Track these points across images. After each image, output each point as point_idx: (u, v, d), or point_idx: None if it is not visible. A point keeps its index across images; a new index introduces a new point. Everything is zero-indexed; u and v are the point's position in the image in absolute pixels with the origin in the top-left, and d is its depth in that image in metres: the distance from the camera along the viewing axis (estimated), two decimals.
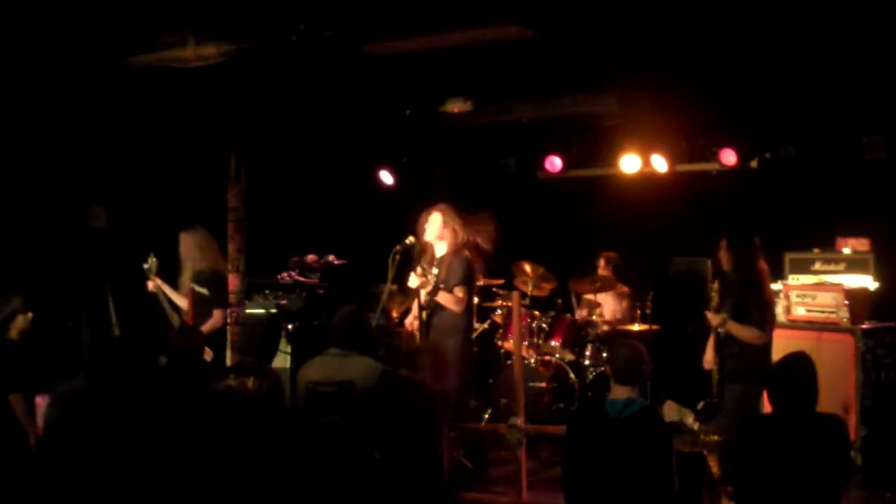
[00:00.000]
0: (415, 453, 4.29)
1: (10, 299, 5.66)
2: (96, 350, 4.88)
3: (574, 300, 8.48)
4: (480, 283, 7.63)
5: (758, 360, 5.53)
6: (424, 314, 6.15)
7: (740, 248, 5.69)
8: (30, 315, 5.68)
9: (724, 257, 5.72)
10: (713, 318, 5.67)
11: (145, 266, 6.64)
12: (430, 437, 4.36)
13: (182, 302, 6.72)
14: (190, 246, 6.72)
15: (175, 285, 6.77)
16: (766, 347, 5.67)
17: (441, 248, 6.28)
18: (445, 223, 6.23)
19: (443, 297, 6.10)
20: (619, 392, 4.20)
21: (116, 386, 4.47)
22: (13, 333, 5.60)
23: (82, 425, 4.40)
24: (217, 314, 6.65)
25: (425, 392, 4.43)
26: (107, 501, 4.27)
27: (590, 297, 8.26)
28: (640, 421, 4.11)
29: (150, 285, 6.67)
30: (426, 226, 6.27)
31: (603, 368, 7.66)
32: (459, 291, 6.09)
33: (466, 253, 6.23)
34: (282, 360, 7.82)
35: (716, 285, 5.77)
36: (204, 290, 6.63)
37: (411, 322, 6.44)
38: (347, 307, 5.00)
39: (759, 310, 5.57)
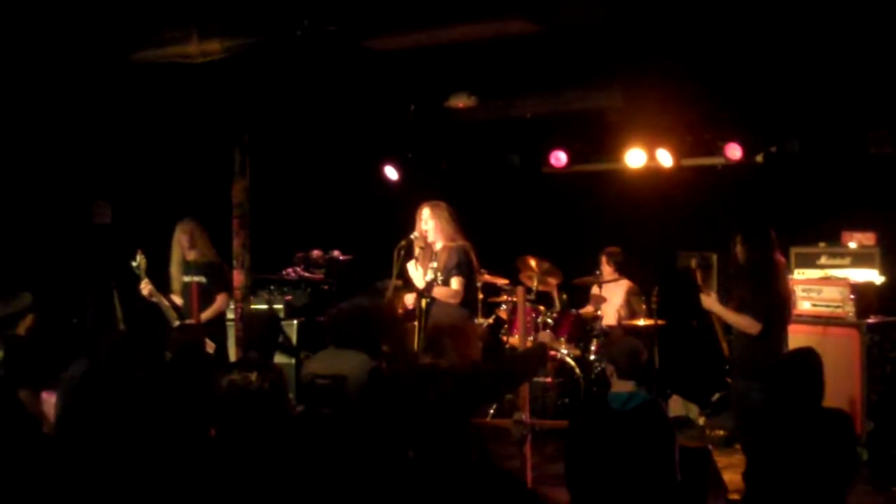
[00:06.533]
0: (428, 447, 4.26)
1: (21, 296, 5.67)
2: (98, 343, 4.88)
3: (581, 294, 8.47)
4: (485, 277, 7.65)
5: (765, 356, 5.44)
6: (424, 302, 6.21)
7: (755, 241, 5.68)
8: (38, 313, 5.70)
9: (740, 251, 5.70)
10: (705, 300, 5.78)
11: (133, 264, 6.58)
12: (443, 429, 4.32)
13: (178, 300, 6.73)
14: (183, 237, 6.72)
15: (166, 277, 6.77)
16: (774, 342, 5.58)
17: (438, 242, 6.36)
18: (432, 216, 6.31)
19: (438, 292, 6.17)
20: (622, 386, 4.21)
21: (119, 378, 4.49)
22: (21, 330, 5.62)
23: (89, 412, 4.43)
24: (220, 299, 6.65)
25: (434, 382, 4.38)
26: (111, 493, 4.29)
27: (596, 292, 8.25)
28: (642, 413, 4.11)
29: (145, 291, 6.63)
30: (419, 222, 6.36)
31: (605, 365, 7.66)
32: (455, 283, 6.17)
33: (462, 242, 6.30)
34: (286, 356, 7.83)
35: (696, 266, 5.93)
36: (202, 279, 6.63)
37: (404, 307, 6.52)
38: (345, 304, 4.94)
39: (760, 300, 5.53)
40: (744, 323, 5.53)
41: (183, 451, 4.39)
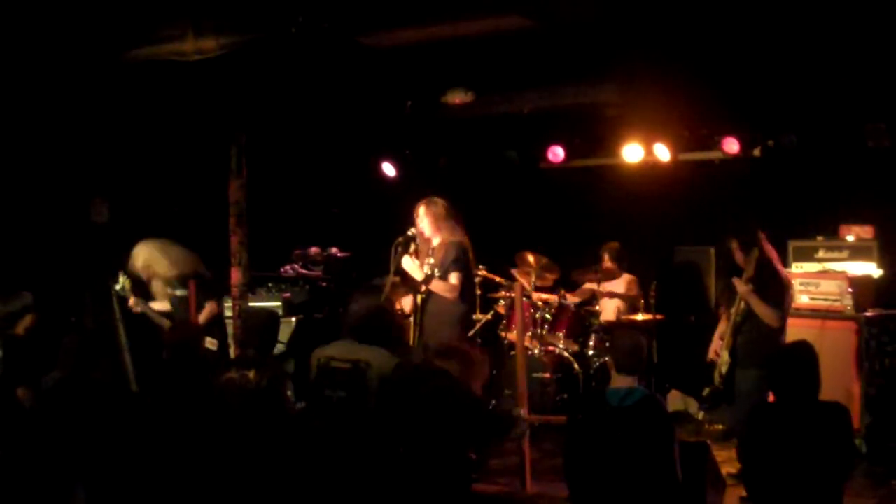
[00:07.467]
0: (437, 444, 4.25)
1: (21, 295, 5.68)
2: (64, 344, 4.88)
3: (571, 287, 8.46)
4: (482, 272, 7.65)
5: (773, 347, 5.51)
6: (420, 298, 6.21)
7: (753, 241, 5.77)
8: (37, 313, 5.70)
9: (739, 256, 5.79)
10: (740, 285, 5.75)
11: (117, 287, 6.49)
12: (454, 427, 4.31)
13: (166, 307, 6.68)
14: (151, 257, 6.59)
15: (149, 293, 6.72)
16: (781, 334, 5.73)
17: (436, 238, 6.35)
18: (427, 212, 6.30)
19: (436, 286, 6.18)
20: (621, 381, 4.21)
21: (78, 379, 4.52)
22: (20, 329, 5.63)
23: (61, 417, 4.46)
24: (208, 306, 6.60)
25: (447, 381, 4.37)
26: (110, 494, 4.29)
27: (591, 286, 8.25)
28: (641, 409, 4.11)
29: (134, 308, 6.57)
30: (417, 219, 6.36)
31: (606, 358, 7.66)
32: (453, 278, 6.17)
33: (459, 237, 6.30)
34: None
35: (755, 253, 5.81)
36: (185, 293, 6.54)
37: (405, 304, 6.52)
38: (365, 302, 4.94)
39: (777, 294, 5.70)
40: (772, 314, 5.66)
41: (180, 449, 4.40)
